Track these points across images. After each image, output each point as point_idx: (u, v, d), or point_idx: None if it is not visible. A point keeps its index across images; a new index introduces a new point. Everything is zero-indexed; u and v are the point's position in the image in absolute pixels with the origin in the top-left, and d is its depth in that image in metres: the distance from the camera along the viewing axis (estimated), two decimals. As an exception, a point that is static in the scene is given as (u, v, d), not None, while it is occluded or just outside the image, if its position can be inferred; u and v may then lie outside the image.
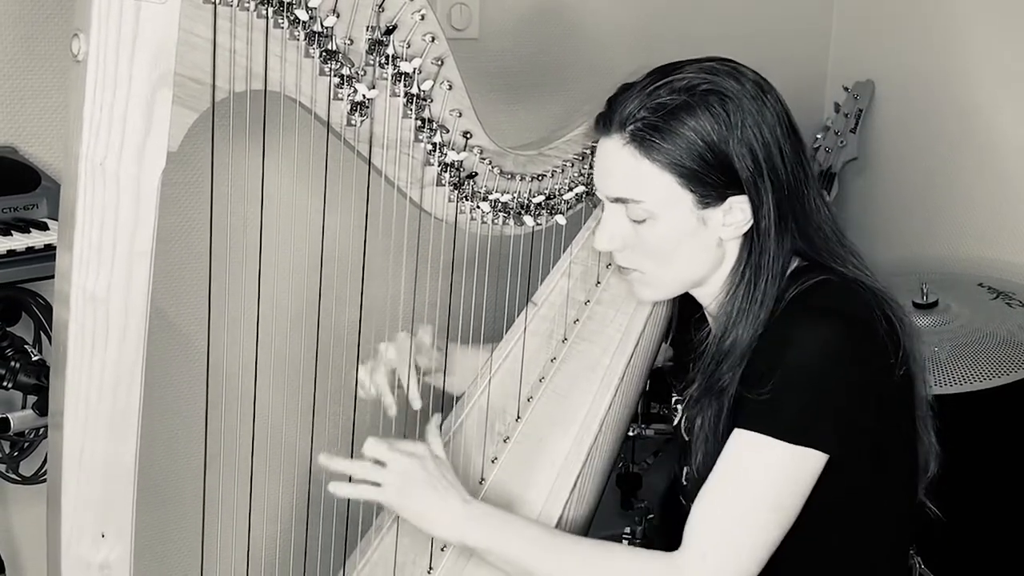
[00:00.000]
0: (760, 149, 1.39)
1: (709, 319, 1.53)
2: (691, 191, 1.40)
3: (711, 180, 1.39)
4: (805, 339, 1.36)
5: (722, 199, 1.41)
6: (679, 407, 1.59)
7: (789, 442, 1.34)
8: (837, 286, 1.42)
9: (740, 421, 1.38)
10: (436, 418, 1.54)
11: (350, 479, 1.46)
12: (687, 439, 1.54)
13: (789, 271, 1.45)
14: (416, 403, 1.61)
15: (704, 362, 1.46)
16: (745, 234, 1.44)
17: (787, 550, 1.40)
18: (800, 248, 1.45)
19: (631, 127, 1.41)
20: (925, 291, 2.21)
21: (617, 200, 1.45)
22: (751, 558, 1.36)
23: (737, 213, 1.42)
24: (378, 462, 1.45)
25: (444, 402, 1.70)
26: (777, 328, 1.40)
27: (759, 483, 1.36)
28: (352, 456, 1.49)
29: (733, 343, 1.42)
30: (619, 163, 1.43)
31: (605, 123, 1.44)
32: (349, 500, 1.52)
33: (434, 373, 1.72)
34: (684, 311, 1.64)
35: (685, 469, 1.52)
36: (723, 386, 1.41)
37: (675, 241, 1.44)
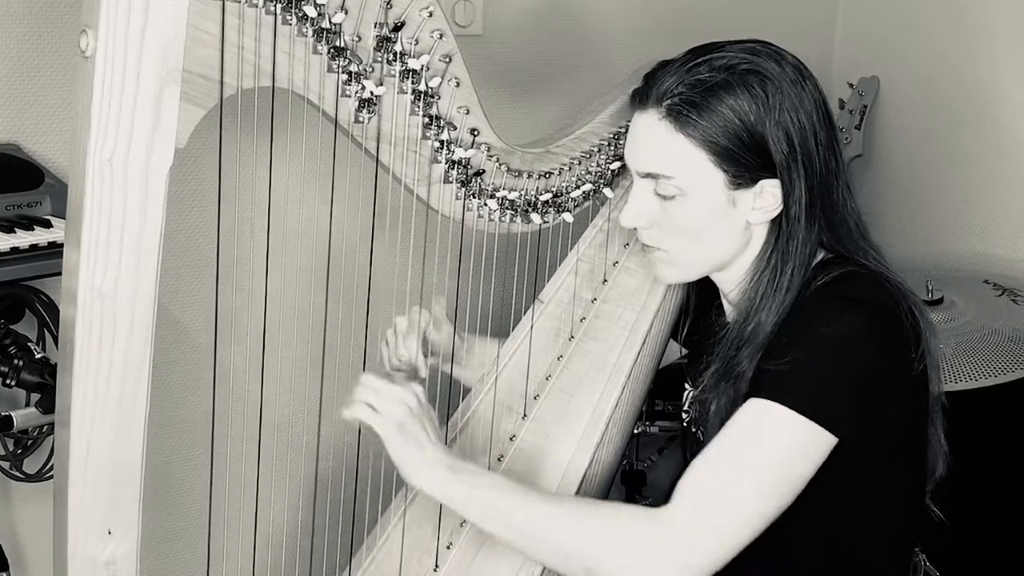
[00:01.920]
0: (796, 133, 1.38)
1: (727, 307, 1.52)
2: (723, 170, 1.39)
3: (744, 161, 1.38)
4: (834, 321, 1.34)
5: (754, 181, 1.40)
6: (692, 401, 1.58)
7: (807, 417, 1.32)
8: (864, 277, 1.41)
9: (756, 391, 1.35)
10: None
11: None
12: (694, 432, 1.53)
13: (815, 262, 1.44)
14: (423, 371, 1.61)
15: (723, 347, 1.45)
16: (773, 220, 1.42)
17: (792, 544, 1.39)
18: (826, 239, 1.44)
19: (668, 102, 1.39)
20: (930, 288, 2.21)
21: (648, 175, 1.44)
22: (744, 525, 1.33)
23: (768, 197, 1.41)
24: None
25: (455, 391, 1.70)
26: (803, 310, 1.39)
27: (769, 451, 1.33)
28: (358, 452, 1.48)
29: (755, 328, 1.40)
30: (653, 137, 1.42)
31: (641, 98, 1.43)
32: (355, 496, 1.52)
33: (443, 362, 1.71)
34: (699, 303, 1.63)
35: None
36: (740, 371, 1.40)
37: (703, 220, 1.42)
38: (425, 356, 1.64)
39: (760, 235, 1.44)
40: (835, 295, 1.38)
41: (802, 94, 1.39)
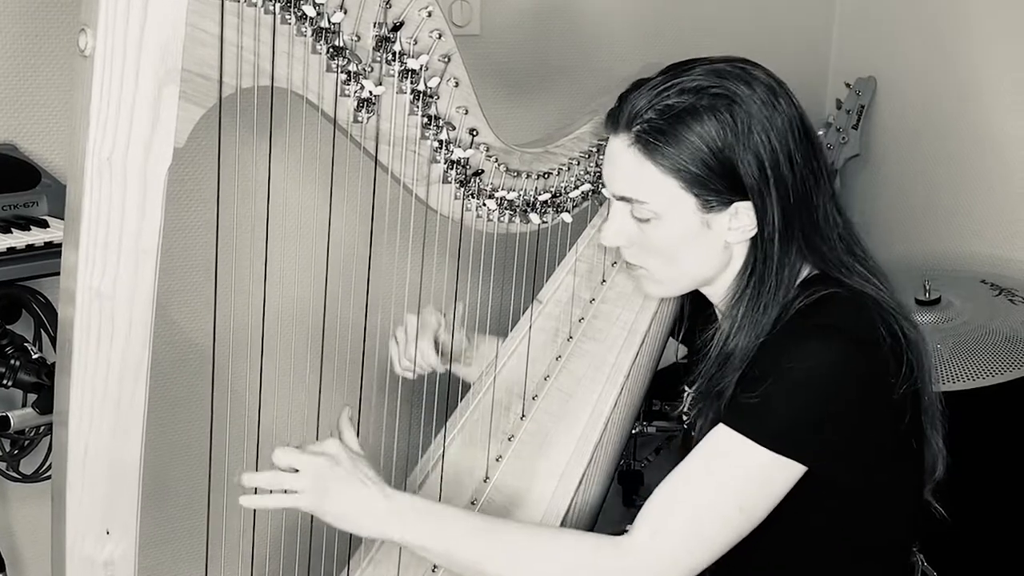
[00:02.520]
0: (767, 156, 1.37)
1: (719, 315, 1.53)
2: (694, 195, 1.39)
3: (715, 186, 1.38)
4: (804, 352, 1.34)
5: (727, 204, 1.40)
6: (691, 402, 1.57)
7: (768, 448, 1.32)
8: (844, 301, 1.39)
9: (724, 418, 1.36)
10: (347, 410, 1.45)
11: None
12: (694, 434, 1.53)
13: (800, 279, 1.43)
14: (440, 368, 1.63)
15: (707, 364, 1.45)
16: (752, 239, 1.42)
17: (785, 551, 1.39)
18: (808, 257, 1.43)
19: (636, 128, 1.39)
20: (927, 288, 2.21)
21: (622, 199, 1.44)
22: (702, 553, 1.34)
23: (743, 218, 1.40)
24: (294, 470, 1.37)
25: (453, 390, 1.70)
26: (779, 338, 1.38)
27: (730, 480, 1.34)
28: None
29: (735, 347, 1.41)
30: (624, 163, 1.42)
31: (614, 121, 1.43)
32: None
33: (452, 362, 1.72)
34: (699, 308, 1.63)
35: None
36: (722, 390, 1.40)
37: (679, 242, 1.43)
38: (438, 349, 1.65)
39: (741, 253, 1.44)
40: (811, 323, 1.37)
41: (773, 115, 1.38)
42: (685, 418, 1.60)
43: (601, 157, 1.63)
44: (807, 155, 1.40)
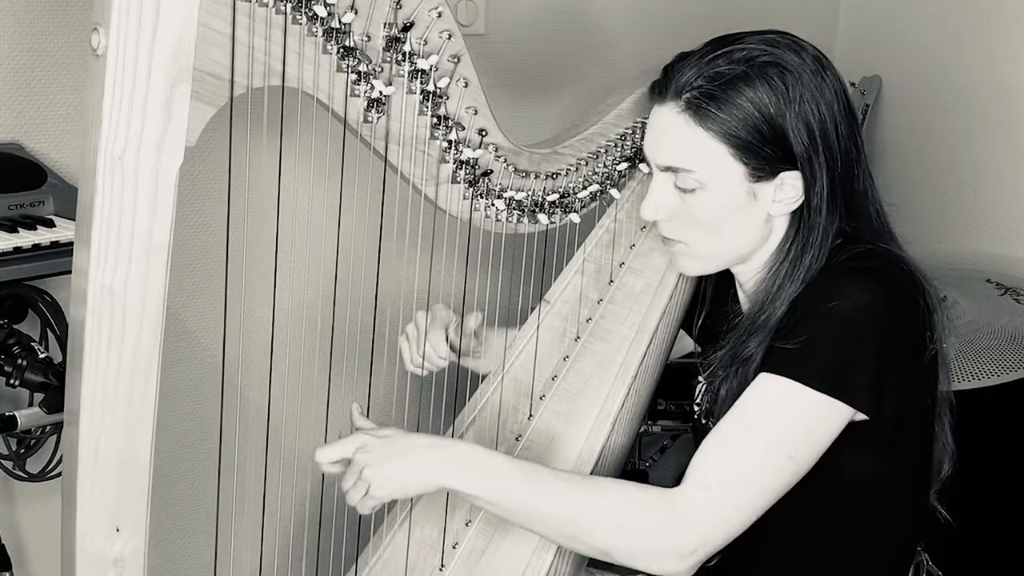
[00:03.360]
0: (816, 125, 1.37)
1: (741, 297, 1.52)
2: (744, 163, 1.38)
3: (765, 153, 1.38)
4: (849, 293, 1.33)
5: (774, 174, 1.39)
6: (702, 393, 1.57)
7: (818, 390, 1.31)
8: (882, 255, 1.40)
9: (767, 366, 1.35)
10: (355, 407, 1.45)
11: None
12: (704, 423, 1.53)
13: (835, 249, 1.42)
14: (451, 359, 1.64)
15: (736, 334, 1.44)
16: (794, 211, 1.42)
17: (797, 538, 1.39)
18: (847, 229, 1.43)
19: (687, 95, 1.39)
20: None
21: (667, 169, 1.43)
22: (755, 502, 1.33)
23: (789, 189, 1.40)
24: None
25: (462, 387, 1.70)
26: (817, 285, 1.38)
27: (780, 427, 1.33)
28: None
29: (768, 317, 1.40)
30: (672, 131, 1.41)
31: (660, 90, 1.42)
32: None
33: (474, 355, 1.73)
34: (715, 301, 1.63)
35: None
36: (748, 354, 1.39)
37: (723, 213, 1.42)
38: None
39: (781, 227, 1.44)
40: (851, 268, 1.37)
41: (822, 85, 1.38)
42: (696, 408, 1.60)
43: (609, 158, 1.64)
44: (851, 128, 1.41)
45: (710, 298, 1.65)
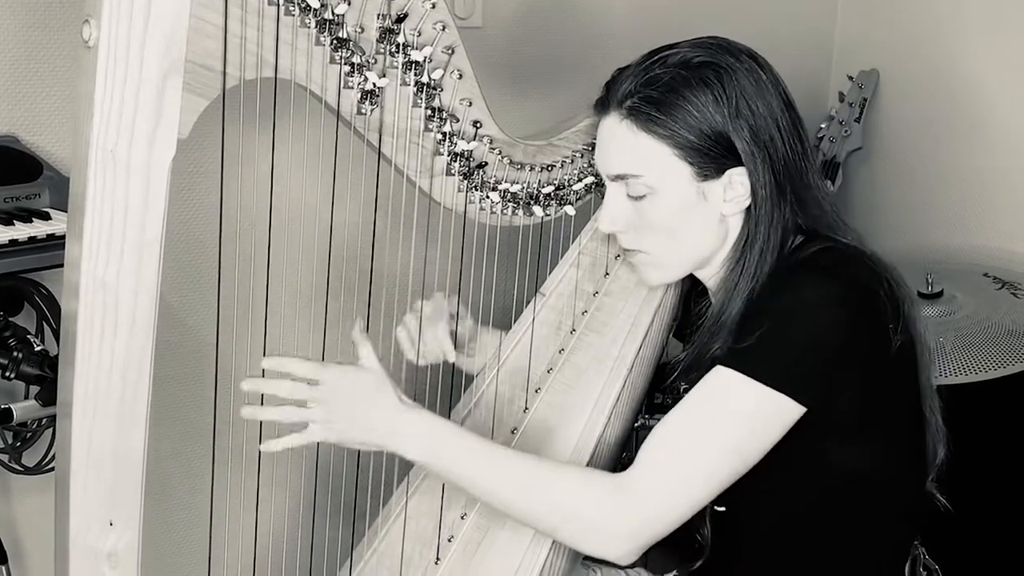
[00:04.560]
0: (757, 122, 1.40)
1: (711, 296, 1.53)
2: (689, 163, 1.40)
3: (709, 152, 1.40)
4: (802, 294, 1.35)
5: (721, 172, 1.41)
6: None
7: (767, 386, 1.33)
8: (839, 251, 1.42)
9: (721, 360, 1.37)
10: (359, 322, 1.42)
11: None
12: None
13: (792, 246, 1.44)
14: (451, 356, 1.62)
15: (701, 335, 1.46)
16: (747, 210, 1.43)
17: (790, 532, 1.39)
18: (801, 223, 1.45)
19: (628, 103, 1.41)
20: (930, 281, 2.21)
21: (617, 178, 1.45)
22: (697, 491, 1.35)
23: (737, 187, 1.42)
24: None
25: (457, 383, 1.70)
26: (774, 283, 1.40)
27: (728, 419, 1.34)
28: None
29: (728, 317, 1.41)
30: (617, 139, 1.43)
31: (603, 104, 1.46)
32: (356, 490, 1.52)
33: (467, 353, 1.72)
34: (689, 304, 1.64)
35: None
36: (713, 356, 1.40)
37: (677, 216, 1.43)
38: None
39: (735, 227, 1.45)
40: (808, 267, 1.39)
41: (759, 82, 1.41)
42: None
43: (605, 150, 1.63)
44: (792, 123, 1.43)
45: (684, 301, 1.67)
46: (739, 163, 1.40)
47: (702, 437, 1.35)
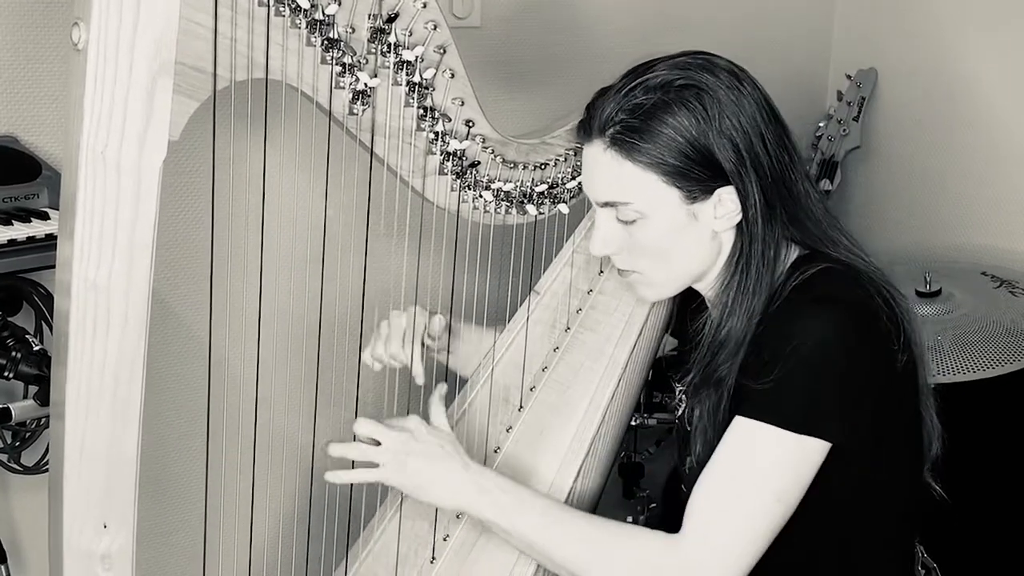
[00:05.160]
0: (741, 139, 1.39)
1: (709, 306, 1.53)
2: (677, 187, 1.40)
3: (695, 175, 1.39)
4: (809, 329, 1.35)
5: (709, 192, 1.41)
6: (683, 397, 1.58)
7: (794, 432, 1.34)
8: (839, 274, 1.42)
9: (743, 410, 1.37)
10: (441, 387, 1.53)
11: (352, 464, 1.46)
12: (689, 429, 1.53)
13: (789, 262, 1.45)
14: (420, 378, 1.62)
15: (700, 352, 1.46)
16: (738, 224, 1.43)
17: (793, 539, 1.39)
18: (793, 235, 1.45)
19: (610, 131, 1.41)
20: (928, 280, 2.21)
21: (606, 204, 1.45)
22: (752, 546, 1.36)
23: (728, 203, 1.41)
24: (375, 442, 1.44)
25: (452, 383, 1.69)
26: (780, 317, 1.39)
27: (763, 472, 1.36)
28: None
29: (728, 333, 1.42)
30: (602, 168, 1.43)
31: (585, 130, 1.45)
32: (351, 489, 1.52)
33: (439, 352, 1.73)
34: (686, 301, 1.64)
35: (687, 459, 1.52)
36: (721, 376, 1.41)
37: (668, 238, 1.44)
38: (423, 356, 1.64)
39: (728, 241, 1.46)
40: (810, 297, 1.39)
41: (740, 98, 1.40)
42: (677, 411, 1.60)
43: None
44: (778, 135, 1.42)
45: (679, 303, 1.66)
46: (727, 181, 1.40)
47: (744, 495, 1.36)
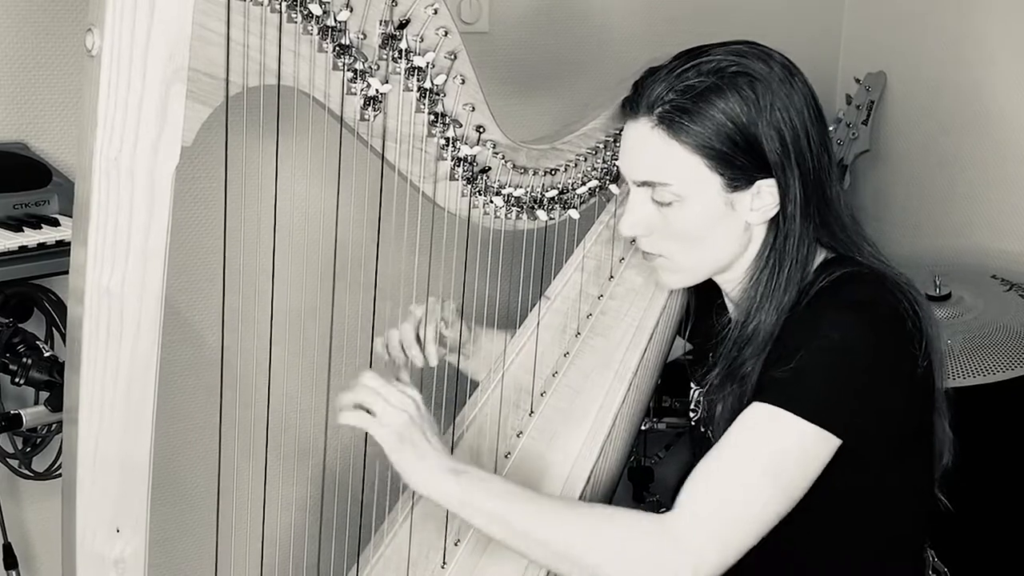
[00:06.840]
0: (788, 132, 1.38)
1: (729, 306, 1.53)
2: (720, 174, 1.39)
3: (740, 163, 1.38)
4: (836, 326, 1.34)
5: (750, 182, 1.40)
6: (699, 400, 1.58)
7: (807, 420, 1.32)
8: (865, 278, 1.41)
9: (758, 395, 1.36)
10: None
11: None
12: (703, 431, 1.53)
13: (817, 263, 1.44)
14: (433, 359, 1.61)
15: (725, 348, 1.45)
16: (771, 219, 1.42)
17: (804, 542, 1.39)
18: (822, 237, 1.44)
19: (659, 109, 1.39)
20: (938, 283, 2.21)
21: (644, 184, 1.43)
22: (745, 531, 1.33)
23: (766, 197, 1.40)
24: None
25: (462, 387, 1.70)
26: (805, 315, 1.39)
27: (768, 455, 1.33)
28: (365, 449, 1.47)
29: (756, 328, 1.41)
30: (647, 146, 1.41)
31: (632, 106, 1.43)
32: (363, 494, 1.52)
33: (450, 352, 1.72)
34: (701, 303, 1.64)
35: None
36: (745, 372, 1.40)
37: (703, 225, 1.42)
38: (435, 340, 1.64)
39: (759, 235, 1.44)
40: (838, 299, 1.38)
41: (792, 92, 1.39)
42: (692, 414, 1.60)
43: (608, 153, 1.63)
44: (821, 135, 1.42)
45: (695, 306, 1.66)
46: (769, 174, 1.39)
47: (746, 477, 1.33)
